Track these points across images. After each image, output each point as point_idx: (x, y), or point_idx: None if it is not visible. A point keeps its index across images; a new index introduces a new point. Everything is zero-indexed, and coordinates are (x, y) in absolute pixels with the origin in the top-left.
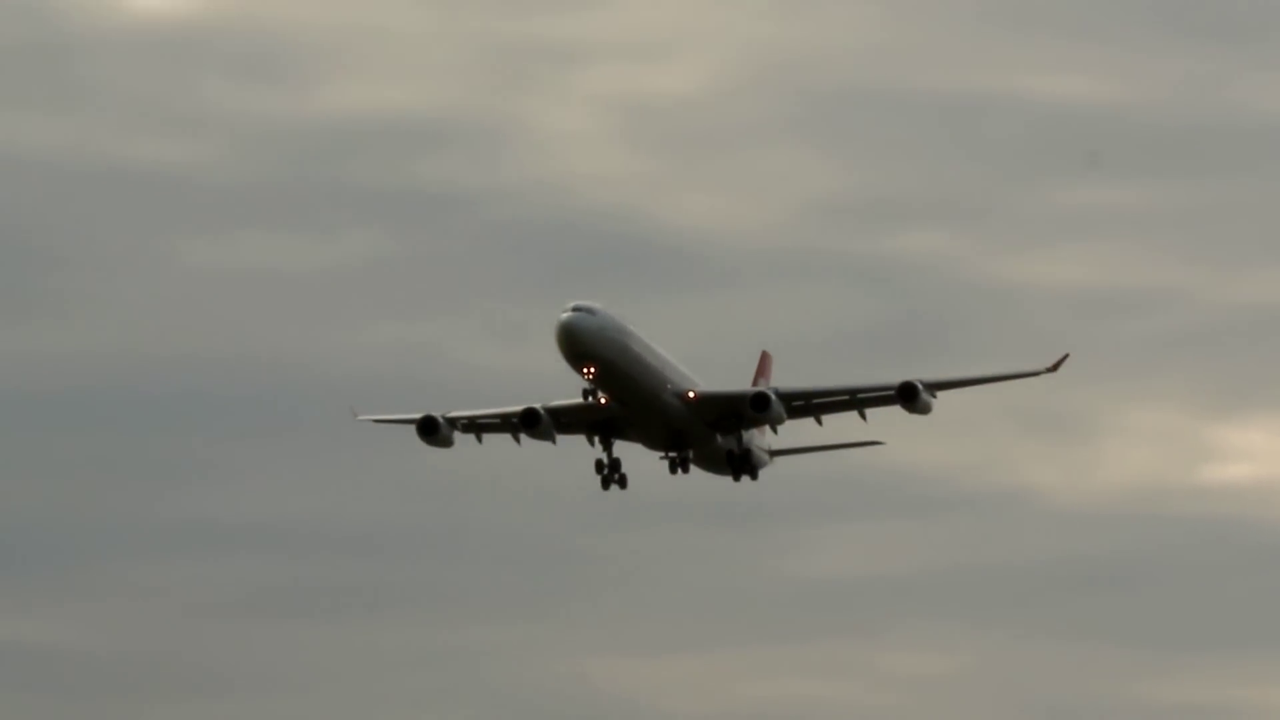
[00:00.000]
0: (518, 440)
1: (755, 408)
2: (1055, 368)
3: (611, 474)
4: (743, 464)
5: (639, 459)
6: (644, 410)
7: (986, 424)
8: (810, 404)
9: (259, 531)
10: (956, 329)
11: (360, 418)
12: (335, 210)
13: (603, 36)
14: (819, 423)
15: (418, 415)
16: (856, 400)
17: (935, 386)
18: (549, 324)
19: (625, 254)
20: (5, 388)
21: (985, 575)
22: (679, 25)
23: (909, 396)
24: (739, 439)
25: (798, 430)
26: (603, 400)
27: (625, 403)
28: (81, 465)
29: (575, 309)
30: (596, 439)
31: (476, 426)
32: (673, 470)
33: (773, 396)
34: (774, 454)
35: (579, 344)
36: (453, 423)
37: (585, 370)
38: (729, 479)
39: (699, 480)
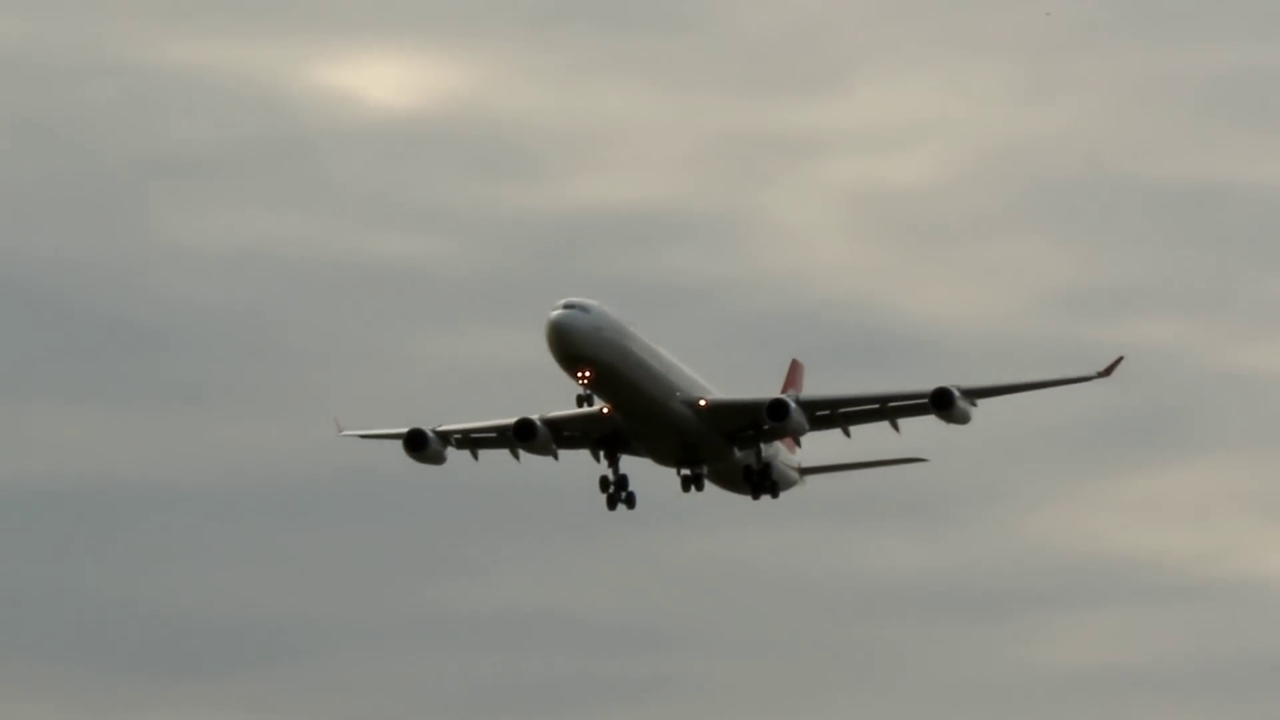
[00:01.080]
0: (516, 456)
1: (773, 416)
2: (1109, 372)
3: (618, 492)
4: (762, 480)
5: (649, 476)
6: (650, 420)
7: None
8: (836, 414)
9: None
10: (1192, 417)
11: (344, 433)
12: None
13: (838, 127)
14: (847, 434)
15: (404, 429)
16: (888, 409)
17: (974, 393)
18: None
19: (860, 343)
20: (250, 482)
21: (1225, 665)
22: (912, 116)
23: (944, 404)
24: (758, 453)
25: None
26: (604, 410)
27: (629, 412)
28: (322, 558)
29: (567, 305)
30: (601, 454)
31: (471, 441)
32: (685, 488)
33: (792, 404)
34: (805, 471)
35: (571, 345)
36: (444, 437)
37: (580, 375)
38: (750, 498)
39: (716, 499)
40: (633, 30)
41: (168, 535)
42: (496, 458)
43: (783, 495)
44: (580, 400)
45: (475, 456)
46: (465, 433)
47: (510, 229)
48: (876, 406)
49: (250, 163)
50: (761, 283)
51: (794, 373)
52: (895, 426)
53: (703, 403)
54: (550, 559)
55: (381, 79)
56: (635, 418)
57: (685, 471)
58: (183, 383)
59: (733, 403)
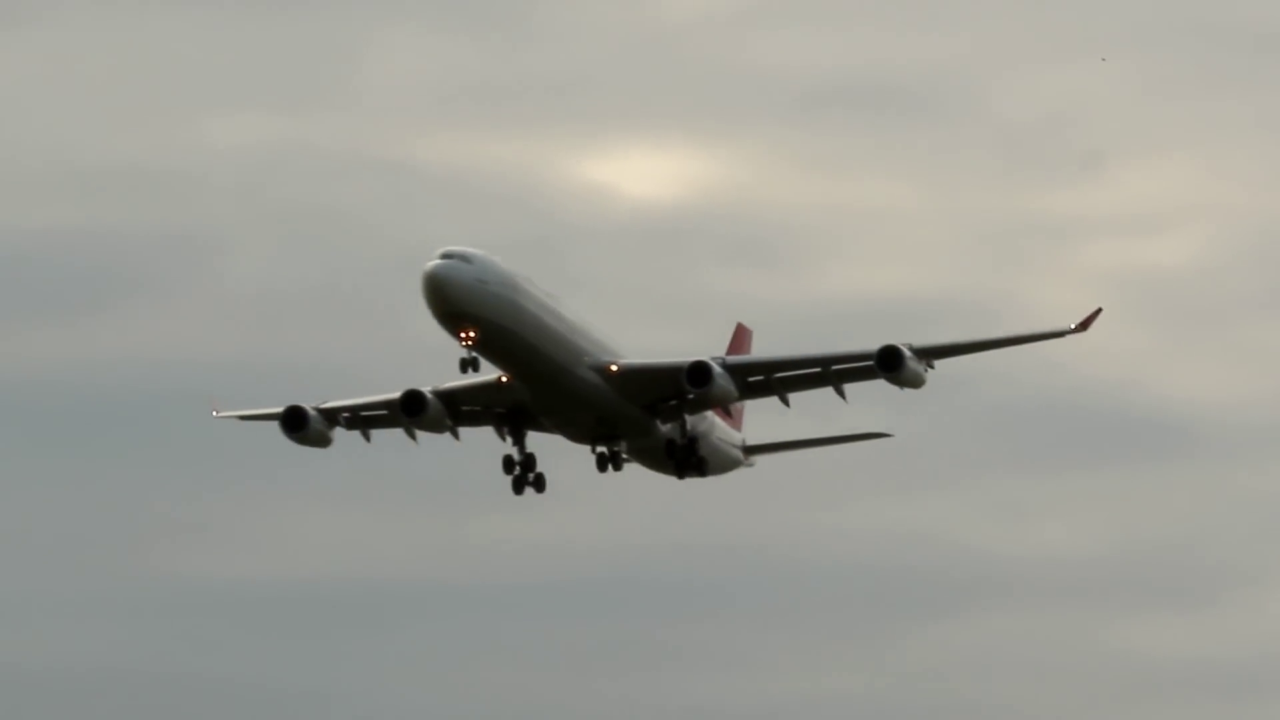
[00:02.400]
0: (412, 436)
1: (694, 382)
2: (1085, 326)
3: (524, 474)
4: (687, 457)
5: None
6: (554, 390)
7: None
8: (771, 379)
9: None
10: None
11: (218, 414)
12: (830, 394)
13: (1097, 211)
14: (785, 403)
15: (281, 408)
16: (831, 374)
17: (929, 353)
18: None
19: (1124, 429)
20: (507, 579)
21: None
22: (1172, 198)
23: (892, 365)
24: (683, 426)
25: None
26: (503, 379)
27: (528, 380)
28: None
29: (445, 255)
30: (506, 431)
31: (360, 420)
32: (602, 467)
33: (716, 368)
34: (750, 450)
35: (450, 300)
36: (330, 416)
37: (462, 335)
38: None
39: (644, 481)
40: (891, 118)
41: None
42: (391, 439)
43: (725, 477)
44: (464, 365)
45: (367, 438)
46: (353, 410)
47: (770, 319)
48: (817, 370)
49: (509, 258)
50: (1021, 369)
51: (740, 337)
52: (841, 393)
53: (614, 368)
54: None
55: (639, 172)
56: (537, 387)
57: (601, 449)
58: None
59: (648, 367)
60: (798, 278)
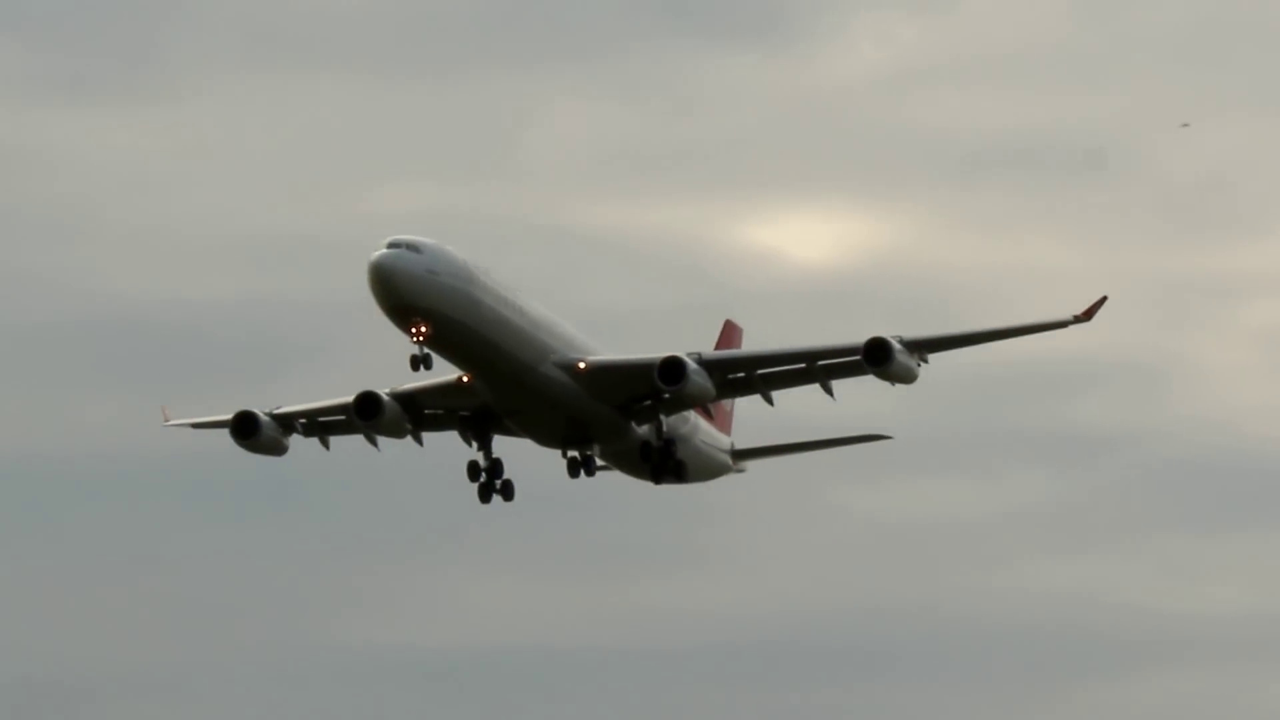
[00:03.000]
0: (372, 441)
1: (667, 379)
2: (1088, 315)
3: (491, 481)
4: (664, 461)
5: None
6: (517, 390)
7: None
8: (753, 376)
9: None
10: None
11: (168, 423)
12: (996, 455)
13: (1265, 269)
14: (768, 401)
15: (230, 414)
16: (815, 370)
17: (920, 345)
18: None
19: None
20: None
21: None
22: None
23: (879, 359)
24: (658, 427)
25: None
26: (464, 379)
27: (489, 379)
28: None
29: (392, 244)
30: (471, 435)
31: (318, 426)
32: (573, 473)
33: (690, 364)
34: (740, 455)
35: (397, 291)
36: (285, 422)
37: (412, 330)
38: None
39: (612, 485)
40: (1054, 177)
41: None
42: (350, 445)
43: (711, 483)
44: (415, 362)
45: (325, 445)
46: (308, 415)
47: (927, 381)
48: (802, 366)
49: (673, 324)
50: (1188, 430)
51: (728, 334)
52: (828, 390)
53: (582, 365)
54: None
55: (803, 235)
56: (499, 386)
57: (573, 453)
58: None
59: (618, 364)
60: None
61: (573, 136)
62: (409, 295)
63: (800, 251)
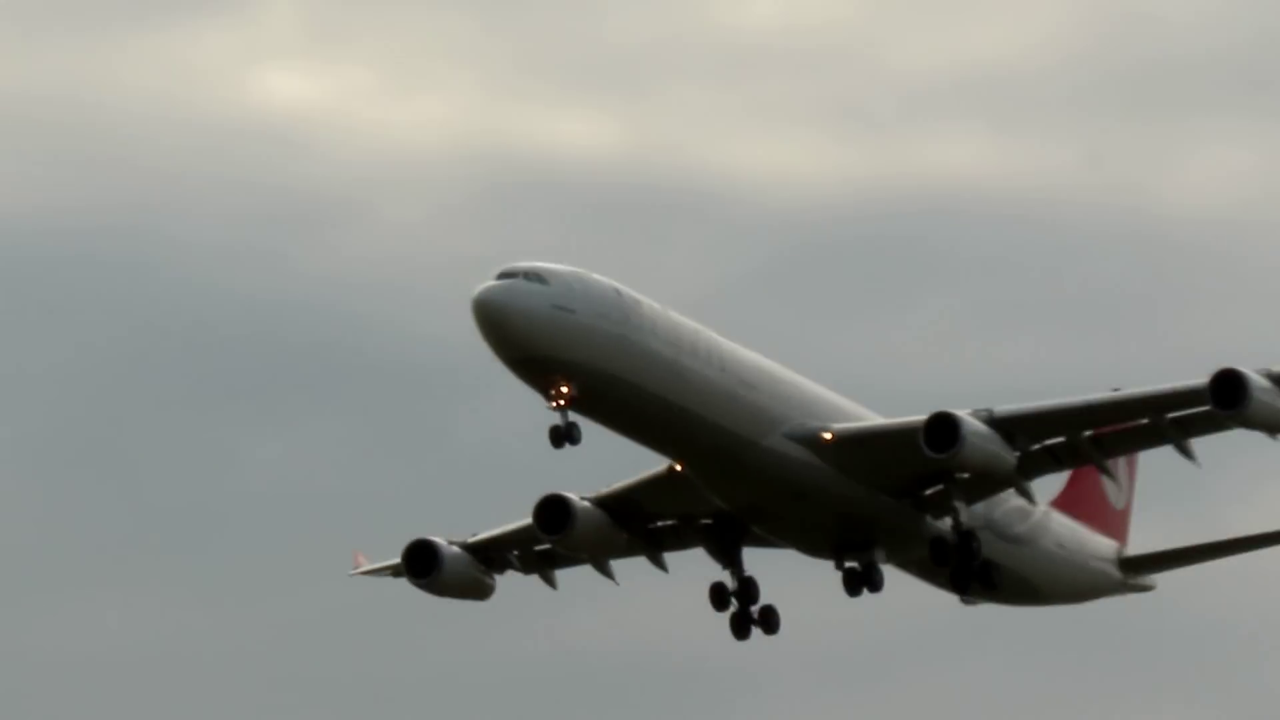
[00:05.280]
0: (604, 571)
1: (935, 444)
2: None
3: (745, 608)
4: (964, 564)
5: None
6: (736, 477)
7: None
8: (1079, 442)
9: None
10: None
11: (353, 572)
12: None
13: None
14: (1105, 472)
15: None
16: (1152, 428)
17: None
18: None
19: None
20: None
21: None
22: None
23: (1231, 400)
24: (956, 518)
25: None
26: (676, 467)
27: (694, 464)
28: None
29: (504, 274)
30: (715, 548)
31: (537, 560)
32: (850, 589)
33: (967, 422)
34: (1134, 564)
35: (516, 338)
36: (483, 556)
37: (550, 390)
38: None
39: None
40: None
41: None
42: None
43: (1083, 606)
44: (556, 435)
45: (550, 582)
46: (492, 544)
47: None
48: (1137, 423)
49: None
50: None
51: None
52: (1185, 452)
53: (827, 436)
54: None
55: None
56: (711, 473)
57: (850, 563)
58: None
59: (874, 432)
60: None
61: None
62: (530, 342)
63: None
